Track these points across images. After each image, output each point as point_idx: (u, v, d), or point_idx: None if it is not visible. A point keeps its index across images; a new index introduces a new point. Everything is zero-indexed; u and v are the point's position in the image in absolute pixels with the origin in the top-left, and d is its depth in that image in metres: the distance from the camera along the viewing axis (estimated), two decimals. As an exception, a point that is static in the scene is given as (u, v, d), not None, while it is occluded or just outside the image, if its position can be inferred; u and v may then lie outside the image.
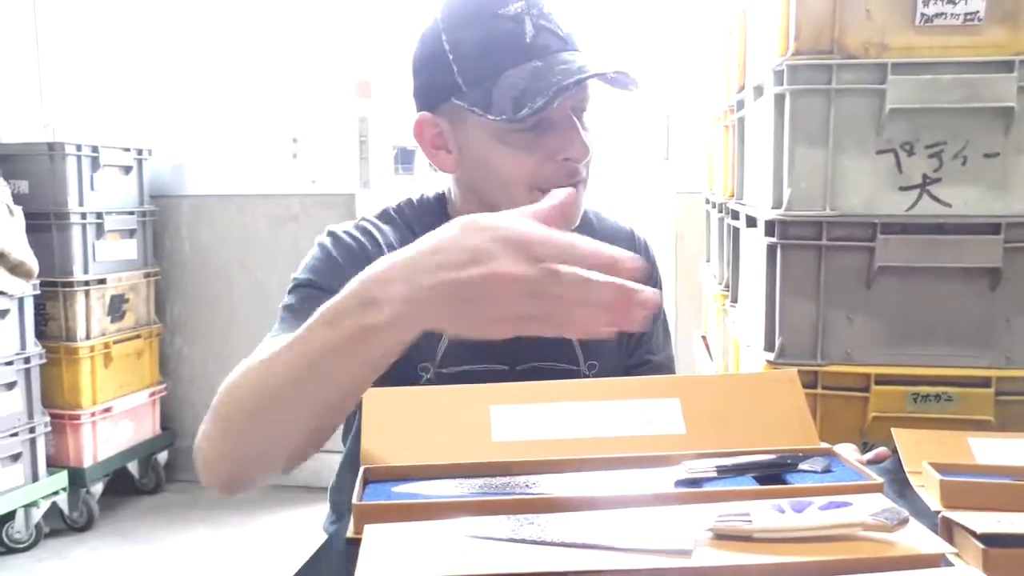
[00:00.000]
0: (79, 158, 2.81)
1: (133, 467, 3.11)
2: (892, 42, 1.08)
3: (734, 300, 1.66)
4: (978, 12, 1.06)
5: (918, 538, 0.62)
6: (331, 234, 1.09)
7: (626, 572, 0.57)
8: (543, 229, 0.63)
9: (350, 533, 0.72)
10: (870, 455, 0.97)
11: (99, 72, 3.27)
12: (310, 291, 1.02)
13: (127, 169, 3.05)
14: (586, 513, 0.66)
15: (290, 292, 1.06)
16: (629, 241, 1.22)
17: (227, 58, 3.27)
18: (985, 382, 1.09)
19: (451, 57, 1.00)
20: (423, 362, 1.06)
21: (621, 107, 3.13)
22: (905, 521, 0.61)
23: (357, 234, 1.07)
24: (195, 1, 3.26)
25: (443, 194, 1.15)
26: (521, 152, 1.00)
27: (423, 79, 1.05)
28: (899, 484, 0.87)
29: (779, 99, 1.14)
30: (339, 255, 1.05)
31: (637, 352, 1.19)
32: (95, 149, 2.87)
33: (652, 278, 1.24)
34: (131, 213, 3.05)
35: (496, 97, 0.97)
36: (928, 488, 0.82)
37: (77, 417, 2.78)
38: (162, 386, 3.22)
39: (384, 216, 1.13)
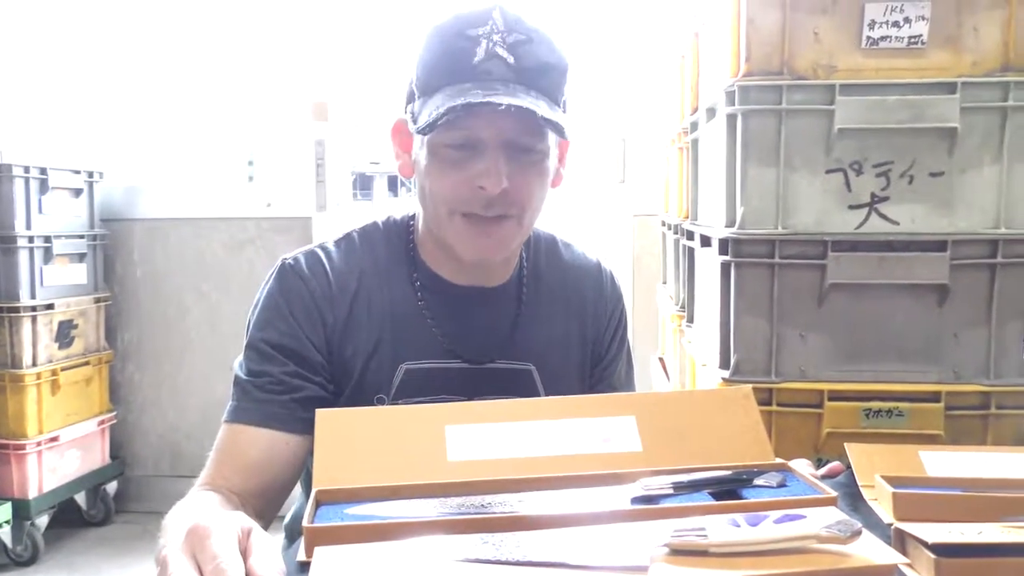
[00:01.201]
0: (27, 180, 2.75)
1: (81, 498, 3.01)
2: (840, 64, 1.11)
3: (690, 320, 1.67)
4: (921, 35, 1.09)
5: (872, 549, 0.62)
6: (280, 275, 1.07)
7: (582, 589, 0.56)
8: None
9: (301, 556, 0.70)
10: (824, 470, 0.98)
11: (48, 92, 3.21)
12: (263, 366, 1.03)
13: (77, 192, 2.99)
14: (543, 531, 0.66)
15: (246, 350, 1.06)
16: (596, 273, 1.22)
17: (181, 78, 3.23)
18: (935, 397, 1.10)
19: (415, 64, 1.02)
20: (379, 393, 1.05)
21: (578, 130, 3.16)
22: (858, 533, 0.62)
23: (306, 271, 1.06)
24: (148, 21, 3.22)
25: (412, 215, 1.14)
26: (446, 170, 1.00)
27: (408, 80, 1.07)
28: (852, 498, 0.87)
29: (731, 119, 1.15)
30: (288, 307, 1.05)
31: (599, 386, 1.18)
32: (43, 171, 2.81)
33: (618, 310, 1.23)
34: (81, 237, 2.98)
35: (423, 109, 0.98)
36: (881, 501, 0.83)
37: (22, 447, 2.69)
38: (112, 414, 3.13)
39: (344, 241, 1.12)
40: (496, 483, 0.79)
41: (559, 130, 0.97)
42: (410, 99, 1.04)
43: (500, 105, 0.93)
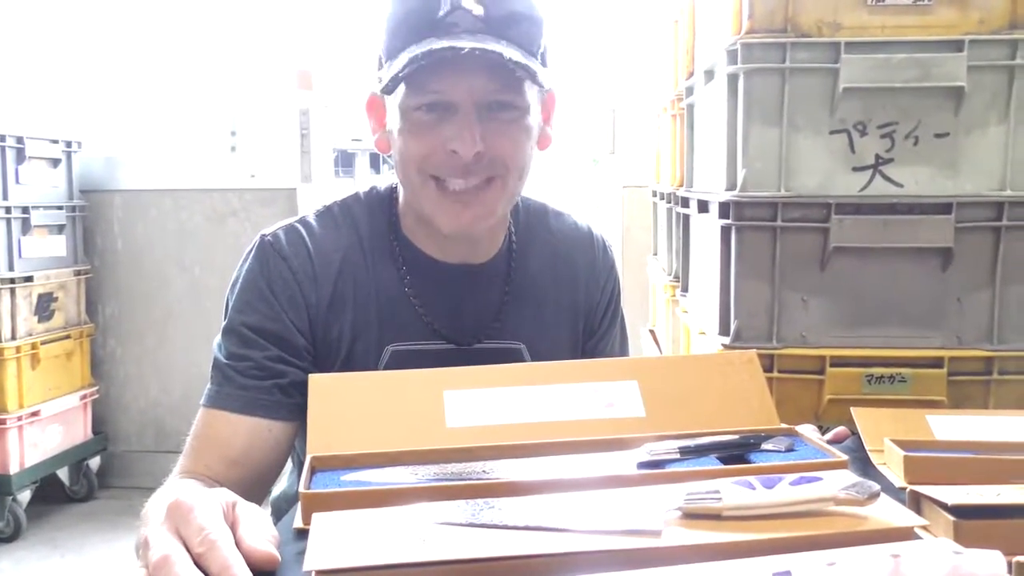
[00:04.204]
0: (3, 149, 2.68)
1: (63, 473, 2.98)
2: (845, 21, 1.08)
3: (684, 289, 1.65)
4: (928, -8, 1.07)
5: (889, 511, 0.60)
6: (260, 252, 1.03)
7: (596, 553, 0.54)
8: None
9: (298, 523, 0.67)
10: (830, 435, 0.96)
11: (24, 58, 3.12)
12: (244, 351, 0.99)
13: (55, 162, 2.92)
14: (549, 496, 0.63)
15: (226, 333, 1.01)
16: (587, 240, 1.19)
17: (162, 46, 3.16)
18: (937, 362, 1.09)
19: (381, 30, 0.98)
20: None
21: (567, 102, 3.12)
22: (876, 495, 0.60)
23: (287, 248, 1.02)
24: (126, -12, 3.14)
25: (394, 187, 1.10)
26: (418, 135, 0.96)
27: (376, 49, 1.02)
28: (861, 462, 0.86)
29: (732, 79, 1.13)
30: (269, 288, 1.00)
31: (592, 358, 1.16)
32: (20, 140, 2.74)
33: (611, 279, 1.21)
34: (60, 208, 2.93)
35: (388, 72, 0.94)
36: (891, 465, 0.82)
37: (2, 421, 2.65)
38: (94, 389, 3.09)
39: (325, 216, 1.07)
40: (497, 449, 0.77)
41: (531, 75, 0.93)
42: (379, 67, 1.00)
43: (462, 49, 0.88)
